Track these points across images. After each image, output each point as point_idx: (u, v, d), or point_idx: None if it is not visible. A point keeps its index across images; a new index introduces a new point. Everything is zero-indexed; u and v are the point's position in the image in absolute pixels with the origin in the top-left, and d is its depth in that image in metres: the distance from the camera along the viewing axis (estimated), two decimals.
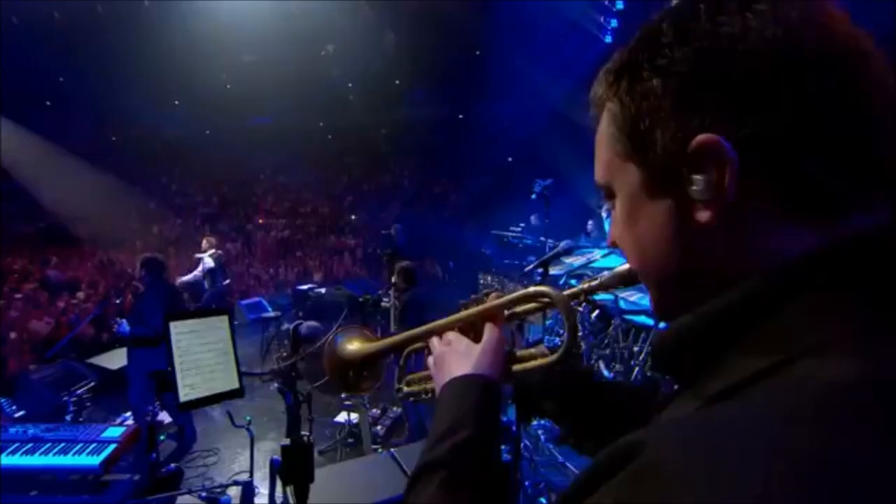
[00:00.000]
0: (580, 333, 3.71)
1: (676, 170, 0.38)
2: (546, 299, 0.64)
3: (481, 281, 5.73)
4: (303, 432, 1.51)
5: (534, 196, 4.28)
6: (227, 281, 7.07)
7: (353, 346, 0.83)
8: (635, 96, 0.40)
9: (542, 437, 3.00)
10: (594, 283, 0.63)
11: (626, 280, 0.57)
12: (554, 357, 0.63)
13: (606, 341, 3.70)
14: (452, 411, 0.60)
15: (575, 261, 3.53)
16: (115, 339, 4.98)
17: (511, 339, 0.72)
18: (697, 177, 0.37)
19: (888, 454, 0.25)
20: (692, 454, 0.27)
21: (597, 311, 3.80)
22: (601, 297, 3.72)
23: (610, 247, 0.50)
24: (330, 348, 0.83)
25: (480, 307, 0.69)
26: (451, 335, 0.70)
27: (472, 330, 0.70)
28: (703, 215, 0.37)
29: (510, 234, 5.51)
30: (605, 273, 0.61)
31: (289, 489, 1.46)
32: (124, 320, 3.96)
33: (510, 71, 9.31)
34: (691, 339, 0.38)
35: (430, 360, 0.70)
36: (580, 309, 3.80)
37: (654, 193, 0.41)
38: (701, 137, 0.36)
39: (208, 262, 6.59)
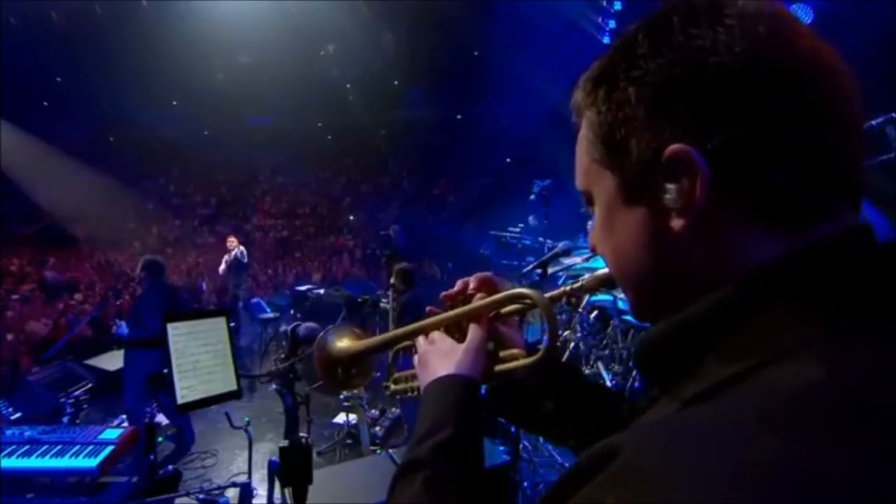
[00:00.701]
0: (579, 334, 3.72)
1: (650, 178, 0.39)
2: (528, 301, 0.65)
3: None
4: (301, 434, 1.51)
5: (532, 197, 4.28)
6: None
7: (343, 343, 0.85)
8: (612, 105, 0.41)
9: (541, 438, 3.00)
10: (576, 285, 0.64)
11: (606, 283, 0.59)
12: (535, 358, 0.64)
13: (605, 342, 3.70)
14: (434, 411, 0.61)
15: (574, 261, 3.53)
16: (113, 341, 4.97)
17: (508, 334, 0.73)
18: (670, 185, 0.38)
19: (850, 457, 0.26)
20: (665, 455, 0.29)
21: (595, 313, 3.81)
22: (600, 298, 3.73)
23: (590, 251, 0.52)
24: (320, 345, 0.85)
25: (466, 308, 0.71)
26: (436, 335, 0.71)
27: (457, 330, 0.71)
28: (677, 223, 0.38)
29: (509, 234, 5.51)
30: (587, 276, 0.63)
31: (287, 491, 1.45)
32: (123, 322, 3.95)
33: (509, 71, 9.32)
34: (667, 345, 0.40)
35: (416, 358, 0.72)
36: (580, 310, 3.81)
37: (629, 201, 0.42)
38: (672, 148, 0.37)
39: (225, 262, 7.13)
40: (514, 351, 0.68)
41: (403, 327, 0.78)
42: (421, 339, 0.73)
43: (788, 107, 0.35)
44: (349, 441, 3.75)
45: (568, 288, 0.65)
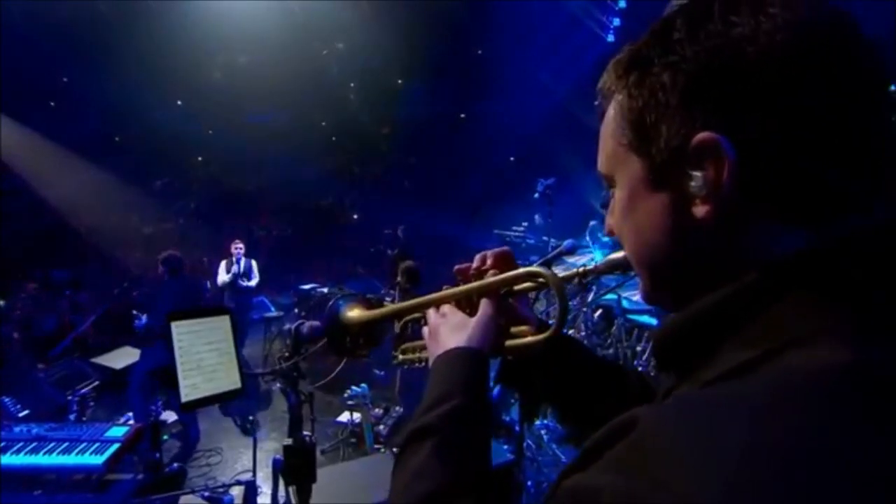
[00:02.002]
0: (582, 333, 3.71)
1: (677, 165, 0.39)
2: (541, 279, 0.66)
3: None
4: (305, 432, 1.51)
5: (536, 195, 4.27)
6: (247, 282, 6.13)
7: (353, 312, 0.87)
8: (644, 89, 0.41)
9: (546, 437, 2.99)
10: (589, 267, 0.66)
11: (620, 267, 0.60)
12: (544, 335, 0.66)
13: (610, 341, 3.69)
14: (443, 382, 0.61)
15: (578, 260, 3.52)
16: (121, 339, 5.00)
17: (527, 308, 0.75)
18: (696, 173, 0.38)
19: (861, 439, 0.27)
20: (681, 428, 0.30)
21: (600, 311, 3.80)
22: (604, 297, 3.72)
23: (607, 235, 0.52)
24: (331, 312, 0.87)
25: (477, 283, 0.72)
26: (447, 308, 0.72)
27: (468, 304, 0.72)
28: (701, 211, 0.38)
29: (513, 233, 5.51)
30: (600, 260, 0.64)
31: (291, 489, 1.45)
32: (144, 315, 4.00)
33: (512, 70, 9.28)
34: (687, 333, 0.40)
35: (426, 330, 0.73)
36: (584, 310, 3.79)
37: (654, 186, 0.42)
38: (702, 135, 0.37)
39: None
40: (525, 328, 0.70)
41: (414, 299, 0.79)
42: (431, 312, 0.73)
43: (823, 101, 0.35)
44: (353, 440, 3.76)
45: (581, 269, 0.66)
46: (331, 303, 0.88)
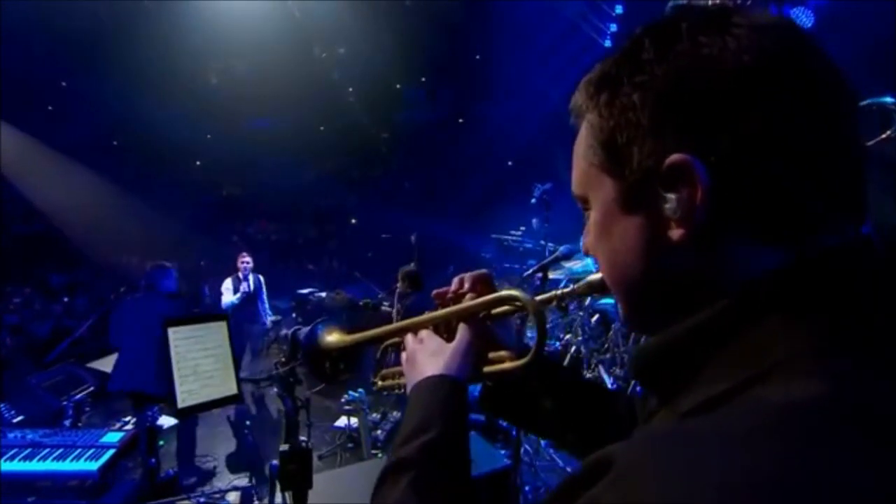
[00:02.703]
0: (580, 338, 3.71)
1: (650, 187, 0.39)
2: (518, 303, 0.65)
3: None
4: (302, 438, 1.51)
5: (534, 200, 4.28)
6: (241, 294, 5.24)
7: (332, 337, 0.86)
8: (614, 110, 0.40)
9: (543, 442, 2.99)
10: (567, 290, 0.64)
11: (598, 288, 0.59)
12: (522, 361, 0.64)
13: (607, 346, 3.69)
14: (420, 411, 0.61)
15: (575, 265, 3.53)
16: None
17: (515, 334, 0.75)
18: (670, 195, 0.37)
19: (837, 472, 0.27)
20: (657, 469, 0.29)
21: (597, 316, 3.80)
22: (601, 302, 3.73)
23: (584, 254, 0.52)
24: (309, 338, 0.87)
25: (456, 307, 0.71)
26: (424, 333, 0.71)
27: (446, 329, 0.71)
28: (675, 233, 0.38)
29: (510, 237, 5.51)
30: (580, 282, 0.63)
31: (288, 494, 1.45)
32: None
33: (510, 74, 9.33)
34: (664, 357, 0.40)
35: (404, 356, 0.72)
36: (581, 314, 3.80)
37: (628, 208, 0.41)
38: (674, 157, 0.36)
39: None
40: (503, 353, 0.68)
41: (392, 324, 0.79)
42: (409, 337, 0.73)
43: (792, 120, 0.35)
44: (350, 445, 3.74)
45: (559, 292, 0.65)
46: (309, 328, 0.89)
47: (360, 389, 3.65)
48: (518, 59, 8.88)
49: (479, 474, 1.88)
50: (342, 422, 3.87)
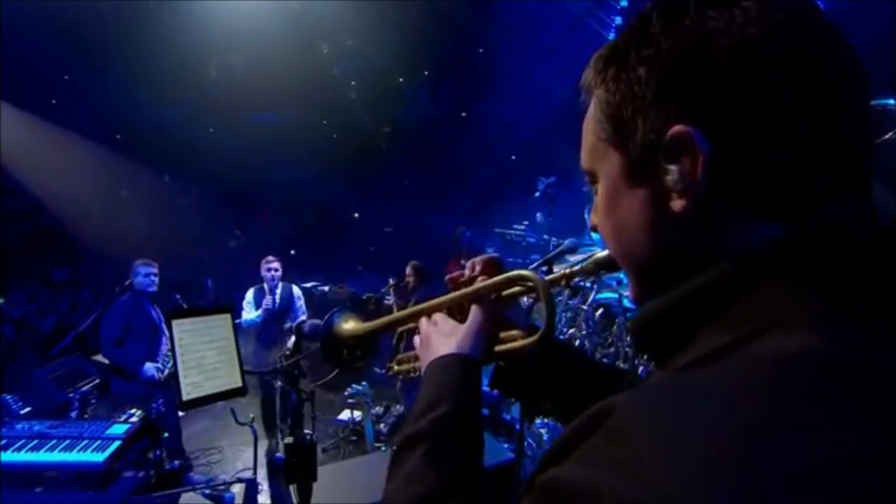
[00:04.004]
0: (584, 332, 3.71)
1: (654, 159, 0.39)
2: (529, 283, 0.67)
3: None
4: (306, 430, 1.52)
5: (537, 194, 4.27)
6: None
7: (348, 325, 0.88)
8: (621, 84, 0.41)
9: (546, 436, 2.99)
10: (575, 268, 0.66)
11: (606, 266, 0.60)
12: (532, 339, 0.66)
13: (610, 340, 3.69)
14: (434, 388, 0.62)
15: (579, 258, 3.52)
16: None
17: (526, 315, 0.77)
18: (672, 167, 0.38)
19: (835, 422, 0.27)
20: (653, 414, 0.30)
21: (601, 311, 3.80)
22: (605, 296, 3.72)
23: (591, 231, 0.52)
24: (326, 327, 0.88)
25: (468, 289, 0.72)
26: (438, 316, 0.73)
27: (459, 311, 0.73)
28: (678, 204, 0.38)
29: (514, 231, 5.50)
30: (587, 259, 0.64)
31: (292, 487, 1.46)
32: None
33: (513, 69, 9.27)
34: (664, 319, 0.40)
35: (417, 339, 0.74)
36: (585, 307, 3.79)
37: (633, 181, 0.42)
38: (676, 129, 0.37)
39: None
40: (514, 332, 0.70)
41: (407, 309, 0.80)
42: (423, 321, 0.74)
43: (795, 94, 0.35)
44: (354, 438, 3.77)
45: (567, 271, 0.66)
46: (326, 318, 0.89)
47: (363, 383, 3.66)
48: (521, 54, 8.83)
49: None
50: (346, 415, 3.89)
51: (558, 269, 0.70)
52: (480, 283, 0.72)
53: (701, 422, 0.28)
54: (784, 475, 0.26)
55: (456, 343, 0.67)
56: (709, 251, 0.38)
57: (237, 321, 4.48)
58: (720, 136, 0.36)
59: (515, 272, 0.69)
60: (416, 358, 0.76)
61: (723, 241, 0.38)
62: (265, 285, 4.21)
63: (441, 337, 0.69)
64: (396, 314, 0.83)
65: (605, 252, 0.57)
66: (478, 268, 0.75)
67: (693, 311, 0.38)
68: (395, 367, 0.83)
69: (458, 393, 0.61)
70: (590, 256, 0.63)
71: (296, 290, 4.43)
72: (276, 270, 4.25)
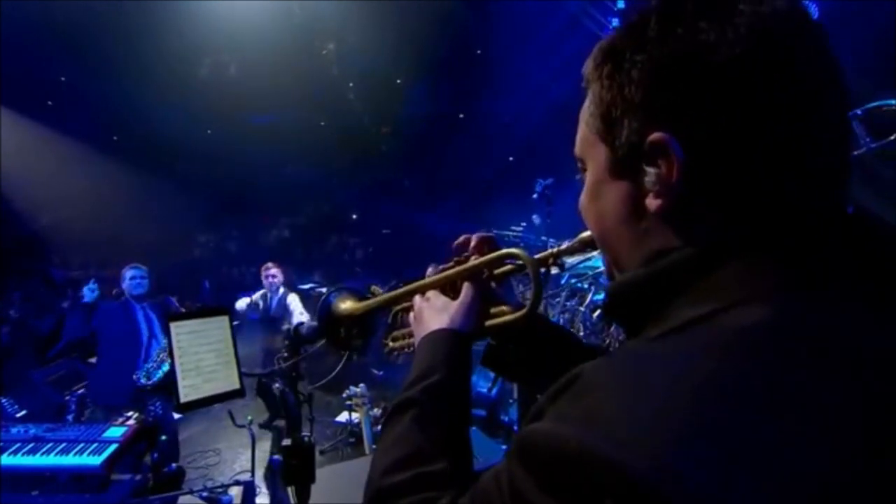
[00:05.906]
0: (582, 333, 3.72)
1: (635, 159, 0.42)
2: (519, 261, 0.71)
3: None
4: (304, 432, 1.51)
5: (535, 195, 4.27)
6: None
7: (345, 304, 0.90)
8: (614, 84, 0.43)
9: None
10: (562, 247, 0.69)
11: (590, 245, 0.64)
12: (520, 313, 0.70)
13: (608, 341, 3.70)
14: (426, 360, 0.65)
15: (577, 260, 3.52)
16: None
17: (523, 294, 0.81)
18: (650, 169, 0.41)
19: (772, 378, 0.31)
20: (616, 374, 0.34)
21: (598, 312, 3.81)
22: (602, 296, 3.73)
23: (578, 213, 0.56)
24: (323, 306, 0.90)
25: (460, 267, 0.75)
26: (431, 293, 0.76)
27: (451, 289, 0.76)
28: (653, 204, 0.42)
29: (511, 233, 5.50)
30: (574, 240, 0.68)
31: (290, 489, 1.45)
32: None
33: (511, 69, 9.29)
34: (637, 292, 0.43)
35: (412, 316, 0.77)
36: (582, 309, 3.80)
37: (615, 175, 0.45)
38: (655, 135, 0.40)
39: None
40: (504, 308, 0.73)
41: (402, 287, 0.83)
42: (417, 298, 0.77)
43: (773, 114, 0.37)
44: (352, 440, 3.76)
45: (554, 249, 0.70)
46: (323, 297, 0.91)
47: (361, 385, 3.66)
48: (519, 54, 8.85)
49: (479, 469, 1.88)
50: (344, 417, 3.88)
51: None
52: (473, 261, 0.75)
53: (664, 378, 0.31)
54: (739, 431, 0.28)
55: (448, 318, 0.70)
56: (679, 248, 0.41)
57: (235, 322, 4.75)
58: (696, 144, 0.38)
59: (505, 250, 0.72)
60: (411, 335, 0.79)
61: (694, 239, 0.41)
62: (266, 293, 4.31)
63: (433, 312, 0.72)
64: (392, 292, 0.85)
65: (589, 232, 0.61)
66: (473, 242, 0.78)
67: (662, 288, 0.40)
68: (391, 344, 0.86)
69: (448, 364, 0.63)
70: (576, 236, 0.66)
71: (290, 298, 4.40)
72: (275, 277, 4.34)
